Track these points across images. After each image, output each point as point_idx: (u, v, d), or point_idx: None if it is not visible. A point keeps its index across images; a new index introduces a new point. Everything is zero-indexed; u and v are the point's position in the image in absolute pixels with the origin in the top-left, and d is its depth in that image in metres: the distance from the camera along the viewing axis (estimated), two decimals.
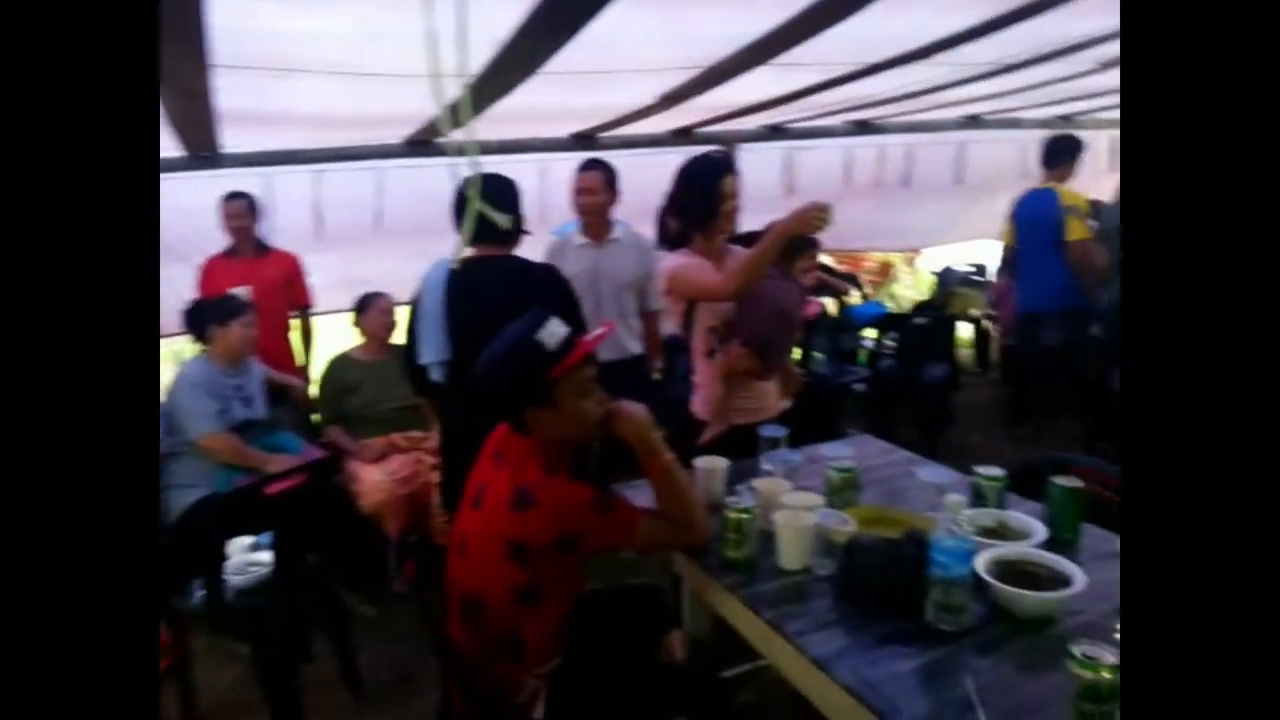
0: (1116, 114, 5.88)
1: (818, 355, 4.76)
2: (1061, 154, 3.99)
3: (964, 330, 6.05)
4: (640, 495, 1.72)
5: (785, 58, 2.93)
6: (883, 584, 1.46)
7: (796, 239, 2.30)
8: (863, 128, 5.15)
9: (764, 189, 4.88)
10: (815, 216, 2.11)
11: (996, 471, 1.79)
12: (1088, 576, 1.47)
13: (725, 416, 2.34)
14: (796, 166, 5.03)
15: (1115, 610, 1.43)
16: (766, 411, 2.37)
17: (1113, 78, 4.32)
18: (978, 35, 2.88)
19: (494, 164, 2.51)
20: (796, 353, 4.38)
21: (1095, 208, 4.25)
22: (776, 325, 2.27)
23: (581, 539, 1.53)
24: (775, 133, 4.95)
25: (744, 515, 1.64)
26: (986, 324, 5.88)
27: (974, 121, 5.49)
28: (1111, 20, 3.10)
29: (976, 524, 1.68)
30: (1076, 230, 4.00)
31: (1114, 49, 3.62)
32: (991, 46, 3.08)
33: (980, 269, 6.06)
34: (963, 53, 3.16)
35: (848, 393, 4.51)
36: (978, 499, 1.79)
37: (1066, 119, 5.83)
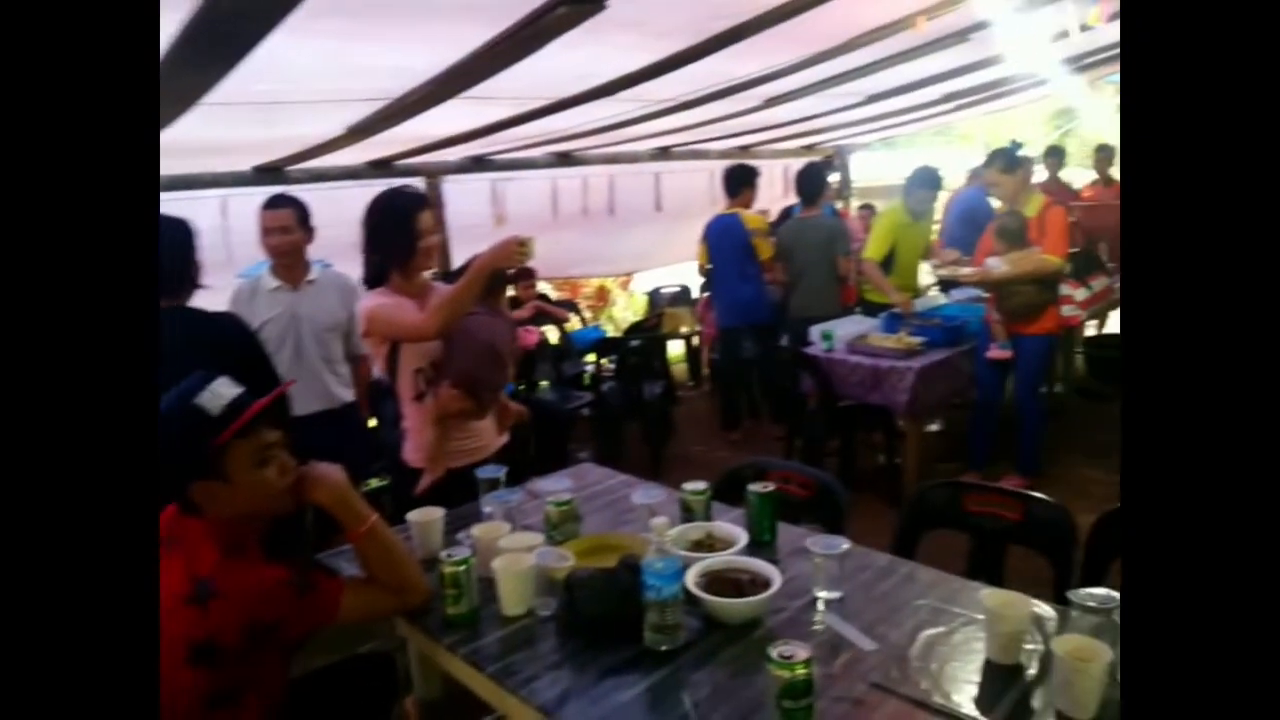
0: (786, 145, 6.63)
1: (543, 384, 4.80)
2: (740, 182, 4.39)
3: (677, 347, 6.45)
4: None
5: (475, 91, 2.91)
6: (601, 615, 1.46)
7: (502, 272, 2.27)
8: (565, 159, 5.30)
9: (473, 220, 4.84)
10: (515, 250, 2.10)
11: (700, 486, 1.89)
12: (785, 573, 1.59)
13: (442, 461, 2.24)
14: (504, 197, 5.04)
15: (810, 602, 1.57)
16: (485, 450, 2.31)
17: (779, 113, 4.86)
18: (653, 74, 3.08)
19: (166, 201, 2.22)
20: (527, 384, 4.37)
21: (772, 227, 4.74)
22: (487, 362, 2.22)
23: (278, 628, 1.36)
24: (479, 164, 4.94)
25: (459, 568, 1.56)
26: (695, 340, 6.30)
27: (665, 153, 5.89)
28: (770, 61, 3.48)
29: (687, 538, 1.76)
30: (765, 250, 4.43)
31: (777, 87, 4.06)
32: (666, 85, 3.31)
33: (685, 289, 6.50)
34: (645, 89, 3.36)
35: (577, 418, 4.59)
36: (686, 514, 1.87)
37: (745, 149, 6.46)
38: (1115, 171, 6.20)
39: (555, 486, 1.99)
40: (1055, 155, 6.43)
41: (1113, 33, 4.29)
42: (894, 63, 3.71)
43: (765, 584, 1.53)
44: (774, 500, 1.82)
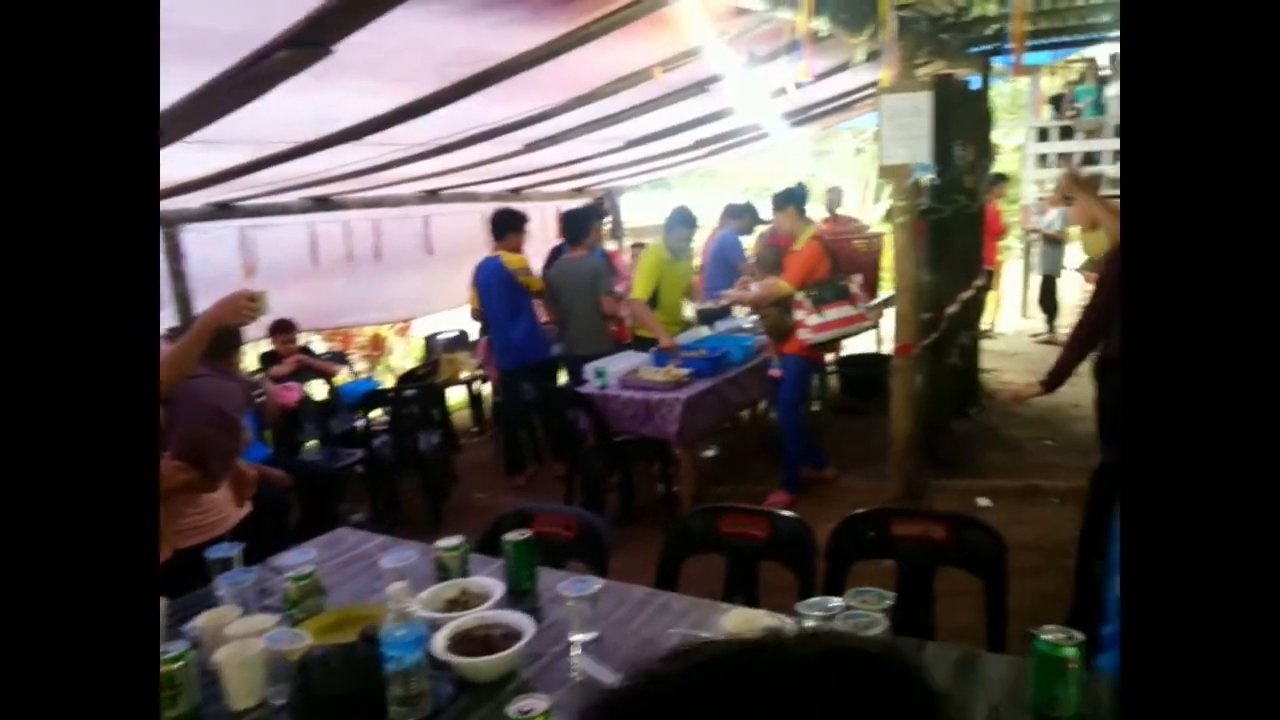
0: (557, 187, 6.75)
1: (310, 444, 4.48)
2: (504, 226, 4.40)
3: (461, 393, 6.28)
4: None
5: (204, 135, 2.70)
6: (338, 695, 1.35)
7: (232, 329, 2.09)
8: (323, 203, 5.05)
9: (220, 271, 4.46)
10: (245, 305, 1.94)
11: (454, 541, 1.82)
12: (545, 619, 1.57)
13: (169, 541, 2.01)
14: (254, 245, 4.70)
15: (567, 647, 1.55)
16: (220, 526, 2.10)
17: (543, 156, 4.94)
18: (400, 119, 3.01)
19: None
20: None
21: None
22: (214, 428, 2.03)
23: None
24: (225, 210, 4.57)
25: (175, 665, 1.39)
26: (478, 384, 6.18)
27: (434, 196, 5.79)
28: (523, 107, 3.53)
29: (440, 598, 1.68)
30: (534, 284, 4.44)
31: (536, 131, 4.12)
32: (417, 129, 3.25)
33: (464, 333, 6.38)
34: (395, 133, 3.28)
35: (348, 477, 4.32)
36: (441, 572, 1.80)
37: (516, 191, 6.50)
38: (840, 210, 6.96)
39: (298, 560, 1.84)
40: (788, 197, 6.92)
41: (826, 89, 4.79)
42: (642, 111, 3.91)
43: (517, 636, 1.49)
44: (530, 547, 1.80)
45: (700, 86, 3.48)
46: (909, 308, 3.97)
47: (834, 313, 3.96)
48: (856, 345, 6.10)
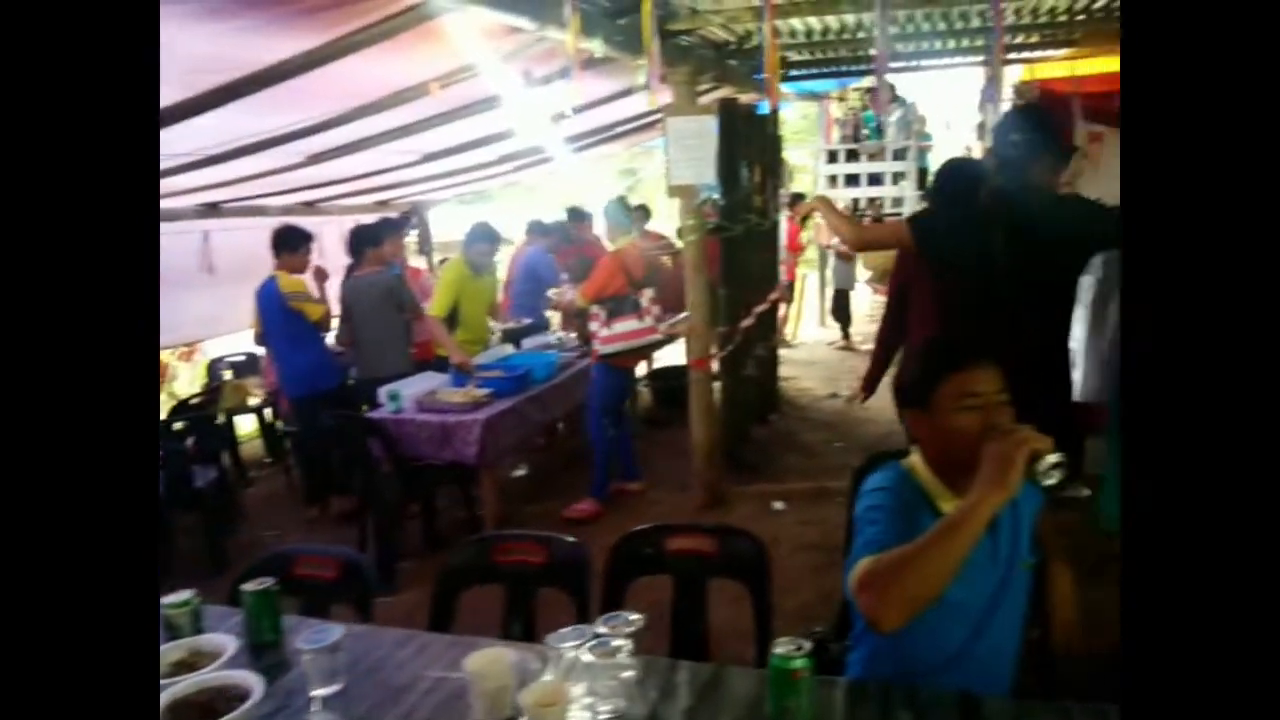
0: (357, 200, 6.45)
1: None
2: (282, 244, 4.10)
3: (251, 422, 5.83)
4: None
5: None
6: None
7: None
8: None
9: None
10: None
11: (183, 596, 1.65)
12: (289, 673, 1.45)
13: None
14: None
15: (308, 703, 1.44)
16: None
17: (332, 169, 4.69)
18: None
19: None
20: None
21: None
22: None
23: None
24: None
25: None
26: (268, 412, 5.76)
27: (214, 209, 5.35)
28: (295, 118, 3.32)
29: (165, 661, 1.52)
30: (312, 311, 4.16)
31: (317, 143, 3.90)
32: (173, 139, 2.98)
33: (252, 356, 5.93)
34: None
35: None
36: (170, 631, 1.62)
37: (310, 205, 6.14)
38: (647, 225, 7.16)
39: None
40: (574, 215, 6.80)
41: (621, 110, 4.88)
42: (428, 126, 3.80)
43: (243, 698, 1.37)
44: (271, 596, 1.66)
45: (487, 104, 3.43)
46: (702, 323, 4.10)
47: (622, 325, 4.06)
48: (666, 358, 6.26)
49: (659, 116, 6.11)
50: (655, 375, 6.33)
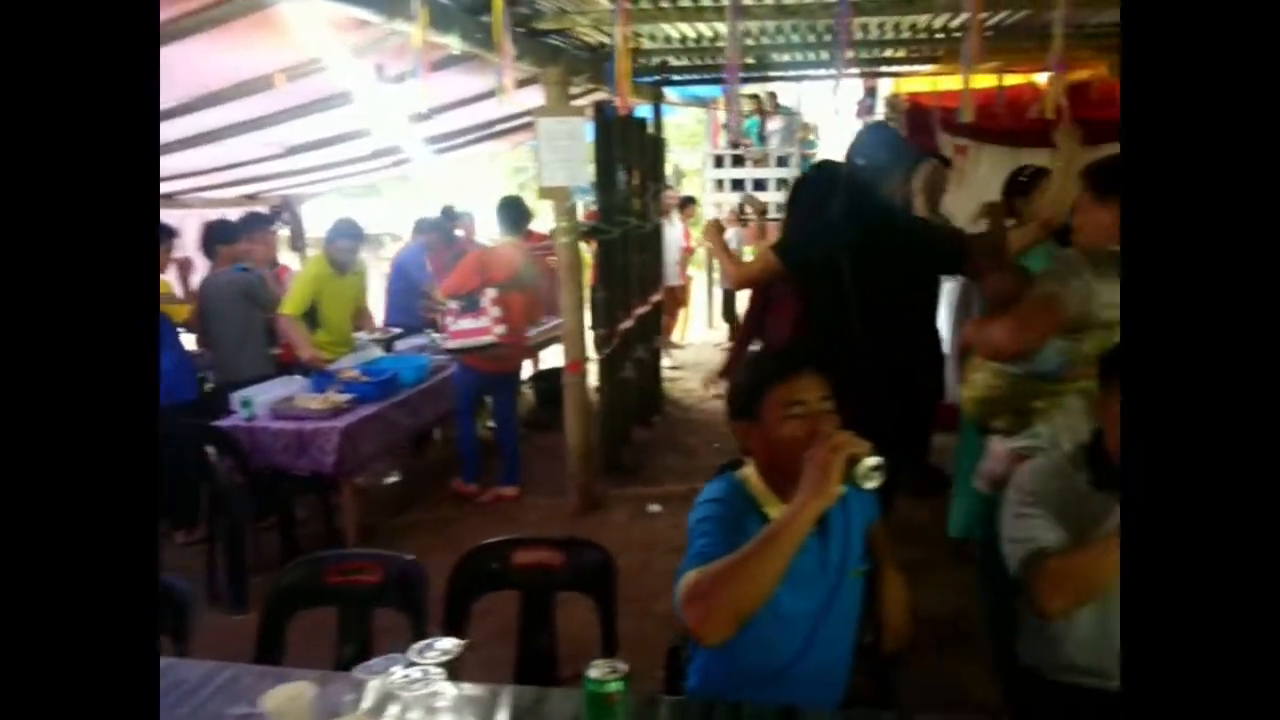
0: (220, 193, 6.09)
1: None
2: None
3: None
4: None
5: None
6: None
7: None
8: None
9: None
10: None
11: None
12: None
13: None
14: None
15: None
16: None
17: (183, 160, 4.40)
18: None
19: None
20: None
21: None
22: None
23: None
24: None
25: None
26: None
27: None
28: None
29: None
30: (176, 313, 3.92)
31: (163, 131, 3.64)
32: None
33: None
34: None
35: None
36: None
37: (168, 197, 5.76)
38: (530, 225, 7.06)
39: None
40: (447, 214, 6.56)
41: (490, 111, 4.78)
42: (284, 119, 3.61)
43: None
44: None
45: (341, 99, 3.28)
46: (576, 326, 4.06)
47: (463, 324, 4.06)
48: (551, 359, 6.18)
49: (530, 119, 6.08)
50: (539, 377, 6.24)
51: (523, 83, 4.06)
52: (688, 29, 4.29)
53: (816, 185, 2.81)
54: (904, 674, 1.87)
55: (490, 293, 4.01)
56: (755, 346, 3.40)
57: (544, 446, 5.27)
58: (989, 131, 5.07)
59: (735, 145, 8.04)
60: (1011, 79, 4.70)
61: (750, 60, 5.42)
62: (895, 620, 1.68)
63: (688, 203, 8.35)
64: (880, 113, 6.59)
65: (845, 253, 2.59)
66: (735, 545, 1.36)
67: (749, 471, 1.61)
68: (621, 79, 2.58)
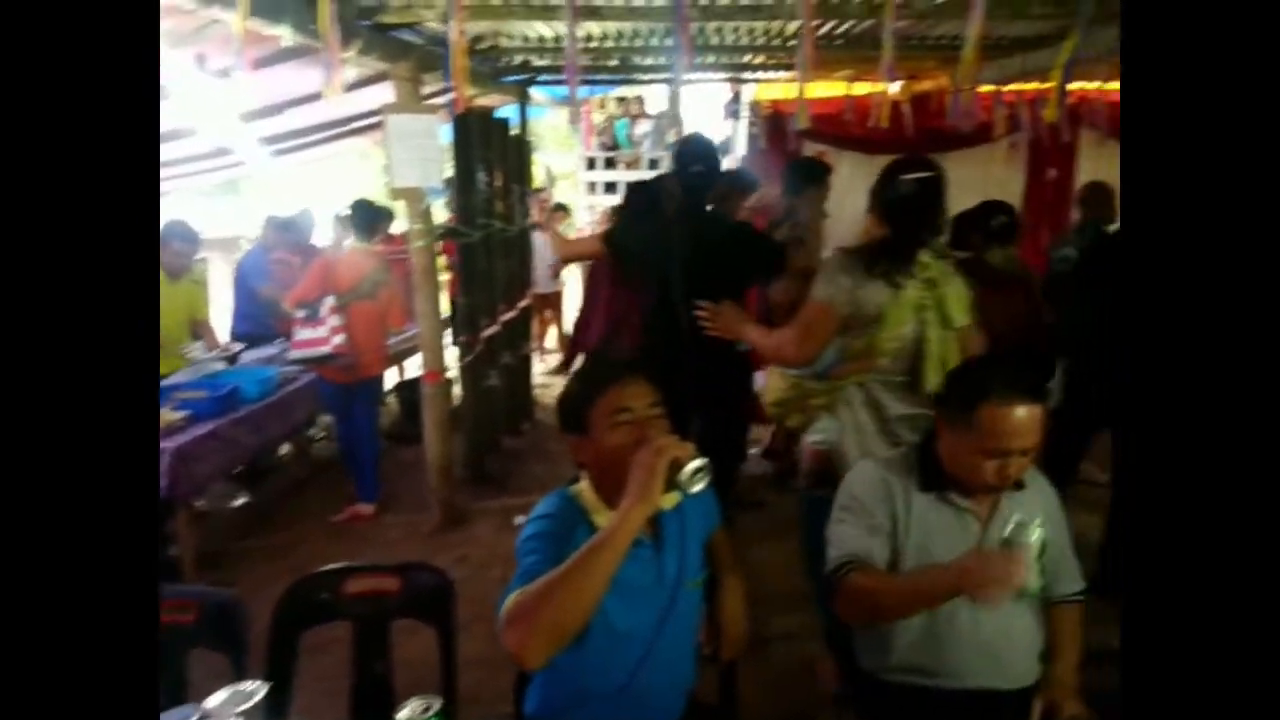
0: None
1: None
2: None
3: None
4: None
5: None
6: None
7: None
8: None
9: None
10: None
11: None
12: None
13: None
14: None
15: None
16: None
17: None
18: None
19: None
20: None
21: None
22: None
23: None
24: None
25: None
26: None
27: None
28: None
29: None
30: None
31: None
32: None
33: None
34: None
35: None
36: None
37: None
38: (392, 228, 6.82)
39: None
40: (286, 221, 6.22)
41: (348, 107, 4.57)
42: None
43: None
44: None
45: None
46: (433, 334, 3.91)
47: (306, 333, 3.88)
48: (416, 369, 5.95)
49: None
50: (403, 387, 6.00)
51: (372, 79, 3.89)
52: (546, 29, 4.21)
53: (644, 193, 3.29)
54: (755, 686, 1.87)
55: (329, 301, 3.80)
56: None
57: (406, 460, 5.06)
58: (845, 138, 5.27)
59: (612, 146, 8.04)
60: (861, 87, 4.89)
61: (614, 62, 5.40)
62: (733, 629, 1.67)
63: (559, 209, 8.28)
64: (744, 118, 6.74)
65: (661, 250, 2.81)
66: (564, 560, 1.30)
67: (583, 486, 1.56)
68: (458, 75, 2.49)
